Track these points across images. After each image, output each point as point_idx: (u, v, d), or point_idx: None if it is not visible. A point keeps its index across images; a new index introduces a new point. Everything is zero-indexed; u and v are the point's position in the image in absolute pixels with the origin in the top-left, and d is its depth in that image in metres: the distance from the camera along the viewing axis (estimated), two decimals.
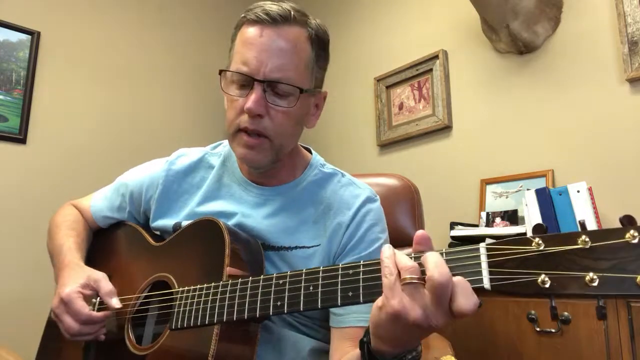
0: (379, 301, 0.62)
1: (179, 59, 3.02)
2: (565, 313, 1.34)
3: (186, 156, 1.14)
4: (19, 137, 2.32)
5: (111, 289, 0.95)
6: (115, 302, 0.93)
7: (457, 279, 0.59)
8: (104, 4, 2.73)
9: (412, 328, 0.60)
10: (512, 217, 1.92)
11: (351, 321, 0.93)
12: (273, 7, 0.92)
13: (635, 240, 0.49)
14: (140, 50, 2.86)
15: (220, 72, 0.94)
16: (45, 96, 2.44)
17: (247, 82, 0.91)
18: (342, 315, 0.95)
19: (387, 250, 0.64)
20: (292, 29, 0.93)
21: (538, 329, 1.39)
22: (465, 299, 0.57)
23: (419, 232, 0.65)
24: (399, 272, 0.61)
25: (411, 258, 0.63)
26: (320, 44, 0.98)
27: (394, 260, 0.62)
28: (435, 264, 0.58)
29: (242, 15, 0.95)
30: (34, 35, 2.40)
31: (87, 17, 2.65)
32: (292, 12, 0.92)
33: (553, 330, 1.36)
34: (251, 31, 0.91)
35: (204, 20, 3.15)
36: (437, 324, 0.59)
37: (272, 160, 0.97)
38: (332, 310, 0.96)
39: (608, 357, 1.27)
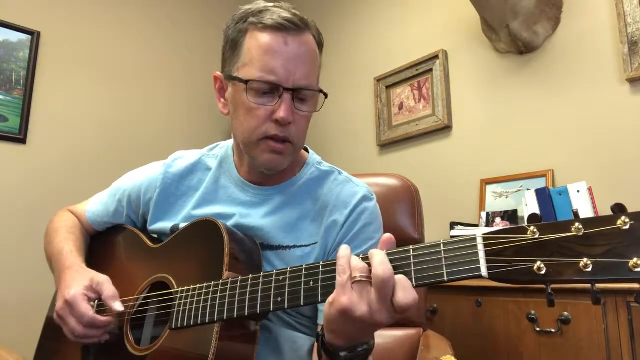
0: (331, 298, 0.67)
1: (179, 59, 3.03)
2: (565, 313, 1.34)
3: (183, 159, 1.14)
4: (19, 137, 2.33)
5: (114, 293, 0.95)
6: (118, 305, 0.93)
7: (399, 276, 0.64)
8: (104, 3, 2.74)
9: (358, 324, 0.65)
10: (512, 217, 1.92)
11: None
12: (288, 14, 0.92)
13: (627, 227, 0.51)
14: (140, 50, 2.87)
15: (247, 81, 0.91)
16: (45, 96, 2.45)
17: (271, 89, 0.91)
18: None
19: (344, 250, 0.69)
20: (308, 35, 0.94)
21: (538, 329, 1.39)
22: (404, 293, 0.63)
23: (385, 236, 0.70)
24: (351, 272, 0.66)
25: (363, 259, 0.68)
26: (321, 45, 1.00)
27: (349, 260, 0.67)
28: (380, 262, 0.64)
29: (250, 19, 0.93)
30: (34, 35, 2.41)
31: (87, 17, 2.66)
32: (304, 18, 0.94)
33: (553, 330, 1.36)
34: (272, 38, 0.91)
35: (205, 21, 3.16)
36: (381, 320, 0.64)
37: (291, 162, 1.00)
38: (321, 307, 0.97)
39: (608, 357, 1.27)
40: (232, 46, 0.96)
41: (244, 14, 0.95)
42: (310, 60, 0.94)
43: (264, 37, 0.91)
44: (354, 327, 0.67)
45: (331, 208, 1.01)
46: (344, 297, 0.64)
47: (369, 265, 0.65)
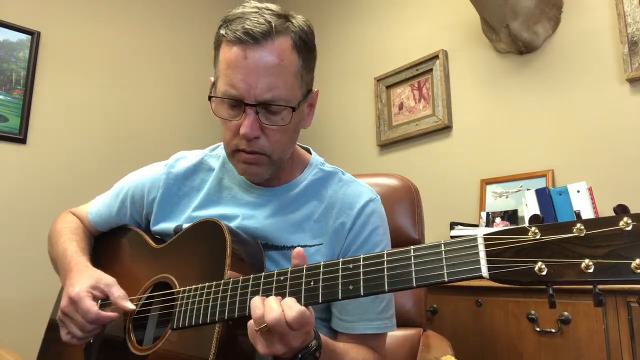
0: None
1: (179, 59, 3.03)
2: (565, 313, 1.34)
3: (185, 159, 1.14)
4: (19, 137, 2.33)
5: (123, 294, 0.95)
6: (129, 304, 0.93)
7: (284, 300, 0.73)
8: (104, 3, 2.74)
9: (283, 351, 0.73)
10: (512, 217, 1.92)
11: (360, 328, 0.97)
12: (253, 24, 0.87)
13: (629, 228, 0.51)
14: (140, 50, 2.87)
15: (210, 98, 0.93)
16: (45, 96, 2.45)
17: (237, 103, 0.90)
18: (351, 322, 0.97)
19: (256, 300, 0.74)
20: (276, 43, 0.89)
21: (538, 329, 1.39)
22: (290, 311, 0.71)
23: (296, 250, 0.78)
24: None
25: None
26: (306, 47, 0.95)
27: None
28: (270, 309, 0.71)
29: (221, 30, 0.92)
30: (34, 35, 2.41)
31: (87, 17, 2.66)
32: (272, 24, 0.88)
33: (553, 330, 1.36)
34: (234, 52, 0.88)
35: (206, 21, 3.16)
36: (292, 343, 0.72)
37: (273, 172, 0.99)
38: (340, 315, 0.98)
39: (608, 357, 1.27)
40: (214, 55, 0.96)
41: (222, 21, 0.93)
42: (277, 70, 0.89)
43: (228, 51, 0.89)
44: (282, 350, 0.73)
45: (337, 210, 1.01)
46: (258, 346, 0.73)
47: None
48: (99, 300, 0.96)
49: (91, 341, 1.00)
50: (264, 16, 0.89)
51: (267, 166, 0.96)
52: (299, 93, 0.94)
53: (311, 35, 0.96)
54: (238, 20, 0.89)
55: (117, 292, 0.95)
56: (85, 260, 1.06)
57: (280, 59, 0.89)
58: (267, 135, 0.92)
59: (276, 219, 1.01)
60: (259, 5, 0.92)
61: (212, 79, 1.00)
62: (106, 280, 0.97)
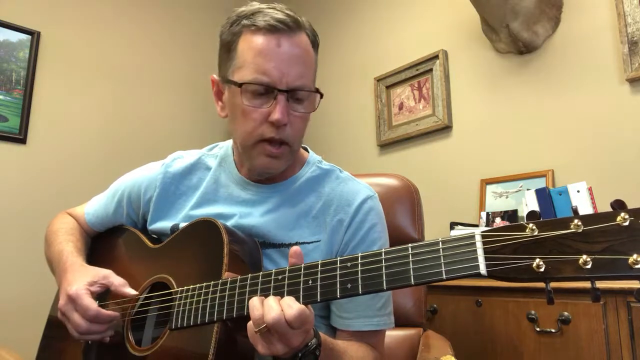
0: None
1: (179, 60, 3.03)
2: (565, 313, 1.33)
3: (182, 158, 1.14)
4: (19, 137, 2.33)
5: (123, 281, 0.96)
6: (131, 290, 0.95)
7: (283, 300, 0.72)
8: (104, 4, 2.74)
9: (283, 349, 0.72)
10: (512, 217, 1.92)
11: (359, 325, 0.97)
12: (280, 14, 0.92)
13: (626, 223, 0.51)
14: (140, 51, 2.87)
15: (241, 84, 0.91)
16: (45, 96, 2.44)
17: (266, 91, 0.91)
18: (349, 320, 0.97)
19: (255, 300, 0.74)
20: (302, 36, 0.94)
21: (538, 329, 1.38)
22: (289, 310, 0.70)
23: (293, 248, 0.77)
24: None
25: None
26: (316, 46, 1.00)
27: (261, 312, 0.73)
28: (269, 308, 0.71)
29: (244, 21, 0.93)
30: (34, 35, 2.41)
31: (87, 17, 2.66)
32: (298, 18, 0.93)
33: (553, 330, 1.36)
34: (264, 40, 0.90)
35: (206, 23, 3.16)
36: (292, 342, 0.71)
37: (288, 164, 1.00)
38: (339, 313, 0.98)
39: (608, 357, 1.26)
40: (226, 50, 0.96)
41: (237, 16, 0.95)
42: (304, 60, 0.93)
43: (257, 39, 0.91)
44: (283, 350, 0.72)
45: (335, 207, 1.02)
46: (258, 346, 0.72)
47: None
48: (97, 301, 0.96)
49: (89, 342, 1.00)
50: (284, 12, 0.94)
51: (286, 158, 0.98)
52: (315, 86, 0.98)
53: (317, 35, 1.01)
54: (260, 13, 0.92)
55: (116, 280, 0.96)
56: (81, 261, 1.06)
57: (306, 50, 0.95)
58: (292, 124, 0.94)
59: (273, 215, 1.01)
60: (270, 4, 0.95)
61: (216, 76, 1.01)
62: (102, 272, 0.98)
